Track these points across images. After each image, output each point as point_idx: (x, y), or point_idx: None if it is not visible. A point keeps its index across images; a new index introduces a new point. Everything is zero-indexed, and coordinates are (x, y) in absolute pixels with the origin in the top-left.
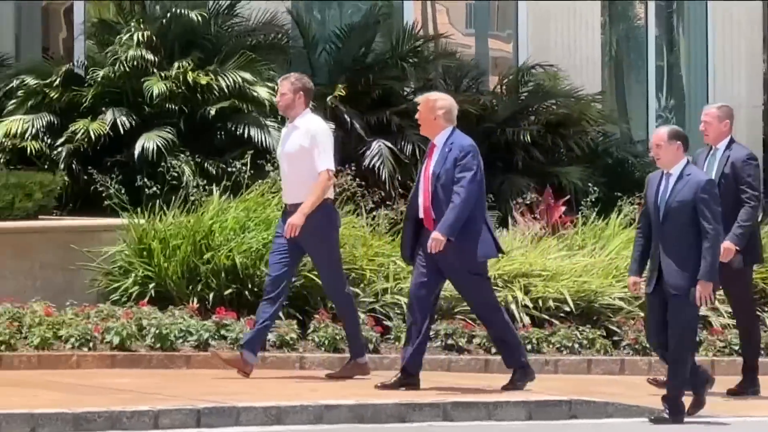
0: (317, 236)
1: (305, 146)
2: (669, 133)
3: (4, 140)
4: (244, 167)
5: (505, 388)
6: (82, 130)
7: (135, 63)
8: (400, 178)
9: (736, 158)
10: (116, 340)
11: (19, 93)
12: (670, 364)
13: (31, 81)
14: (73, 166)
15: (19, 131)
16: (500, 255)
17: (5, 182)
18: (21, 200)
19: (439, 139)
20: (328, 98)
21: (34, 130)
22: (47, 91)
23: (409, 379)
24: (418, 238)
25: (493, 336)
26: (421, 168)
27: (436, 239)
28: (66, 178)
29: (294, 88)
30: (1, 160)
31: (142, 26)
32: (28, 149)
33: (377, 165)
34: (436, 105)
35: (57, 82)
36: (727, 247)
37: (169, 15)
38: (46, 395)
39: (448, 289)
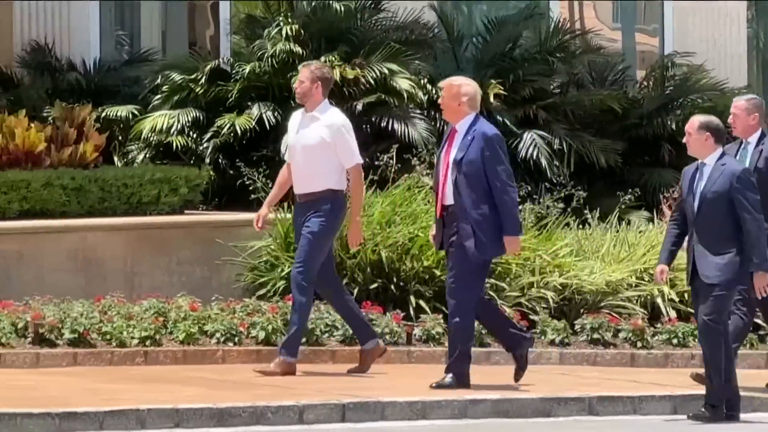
0: (321, 219)
1: (327, 140)
2: (700, 123)
3: (149, 135)
4: (390, 161)
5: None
6: (228, 125)
7: (282, 57)
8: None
9: None
10: (262, 335)
11: (164, 88)
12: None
13: (176, 76)
14: (219, 160)
15: (164, 126)
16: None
17: (151, 177)
18: (167, 195)
19: (462, 125)
20: (491, 97)
21: (179, 126)
22: (192, 86)
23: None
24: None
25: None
26: (441, 153)
27: (513, 244)
28: (212, 172)
29: (312, 77)
30: (147, 155)
31: (290, 20)
32: (174, 144)
33: (533, 154)
34: (461, 91)
35: (202, 77)
36: None
37: (314, 5)
38: (186, 390)
39: (594, 282)
